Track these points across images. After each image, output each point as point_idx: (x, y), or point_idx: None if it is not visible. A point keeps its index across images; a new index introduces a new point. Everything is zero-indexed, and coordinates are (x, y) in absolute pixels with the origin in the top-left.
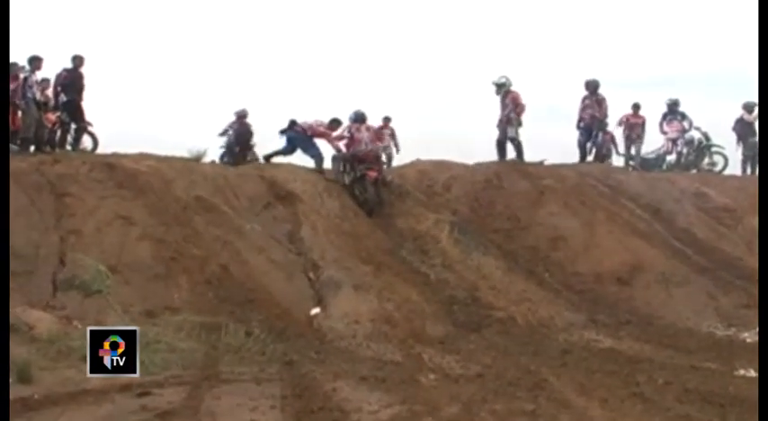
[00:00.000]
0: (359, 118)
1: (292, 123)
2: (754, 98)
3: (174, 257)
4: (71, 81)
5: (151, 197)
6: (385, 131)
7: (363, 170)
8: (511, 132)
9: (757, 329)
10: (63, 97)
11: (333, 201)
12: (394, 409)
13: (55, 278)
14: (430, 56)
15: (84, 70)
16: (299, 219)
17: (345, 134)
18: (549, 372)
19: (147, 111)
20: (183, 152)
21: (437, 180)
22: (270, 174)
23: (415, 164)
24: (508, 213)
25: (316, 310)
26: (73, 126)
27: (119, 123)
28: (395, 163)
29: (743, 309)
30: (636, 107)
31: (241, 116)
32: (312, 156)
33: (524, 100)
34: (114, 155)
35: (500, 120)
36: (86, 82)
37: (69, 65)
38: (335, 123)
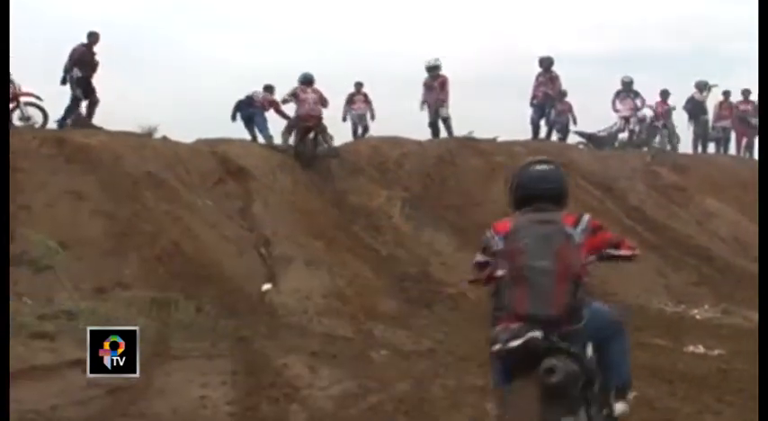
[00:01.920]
0: (306, 80)
1: (251, 99)
2: (707, 77)
3: (125, 233)
4: (85, 57)
5: (102, 172)
6: (357, 97)
7: (302, 126)
8: (443, 113)
9: (707, 306)
10: (77, 72)
11: (285, 176)
12: (345, 385)
13: None
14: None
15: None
16: (250, 195)
17: (290, 97)
18: None
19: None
20: (133, 127)
21: (389, 156)
22: (222, 149)
23: (368, 140)
24: (460, 190)
25: (267, 286)
26: (84, 103)
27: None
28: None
29: (692, 286)
30: (665, 94)
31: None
32: (265, 136)
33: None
34: (65, 129)
35: (427, 103)
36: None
37: (85, 40)
38: (270, 90)
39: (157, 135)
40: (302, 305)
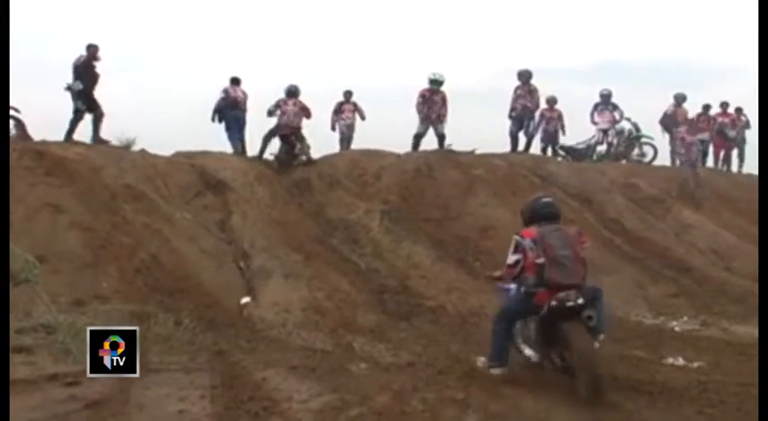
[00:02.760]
0: (289, 92)
1: (235, 102)
2: (686, 89)
3: (103, 246)
4: (84, 70)
5: (80, 185)
6: (346, 107)
7: (280, 134)
8: (441, 129)
9: (686, 318)
10: (78, 85)
11: (263, 189)
12: (324, 398)
13: None
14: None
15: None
16: (229, 208)
17: (274, 108)
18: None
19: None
20: (111, 140)
21: (368, 169)
22: (200, 162)
23: (346, 153)
24: (439, 202)
25: (246, 299)
26: (88, 115)
27: (48, 110)
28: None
29: (671, 298)
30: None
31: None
32: (241, 137)
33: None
34: (43, 142)
35: (427, 117)
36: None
37: (85, 52)
38: (238, 82)
39: (135, 148)
40: (281, 318)
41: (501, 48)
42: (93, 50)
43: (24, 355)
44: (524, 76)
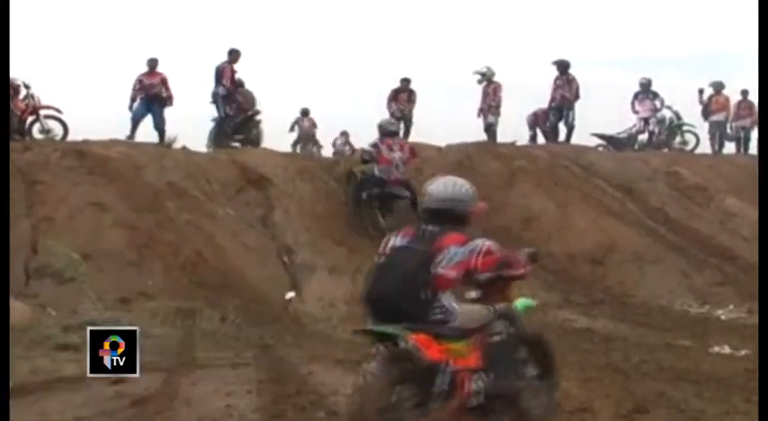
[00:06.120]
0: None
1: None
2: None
3: (147, 243)
4: (227, 75)
5: (122, 183)
6: (402, 96)
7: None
8: (490, 119)
9: (731, 306)
10: (222, 90)
11: (305, 184)
12: None
13: (27, 266)
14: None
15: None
16: (271, 204)
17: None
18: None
19: (117, 98)
20: (153, 138)
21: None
22: (241, 158)
23: None
24: (480, 194)
25: (290, 294)
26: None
27: (89, 109)
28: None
29: (716, 286)
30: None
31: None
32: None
33: (503, 92)
34: (85, 142)
35: (481, 109)
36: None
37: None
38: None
39: (176, 145)
40: (326, 312)
41: (542, 40)
42: (234, 56)
43: (71, 353)
44: (562, 66)
